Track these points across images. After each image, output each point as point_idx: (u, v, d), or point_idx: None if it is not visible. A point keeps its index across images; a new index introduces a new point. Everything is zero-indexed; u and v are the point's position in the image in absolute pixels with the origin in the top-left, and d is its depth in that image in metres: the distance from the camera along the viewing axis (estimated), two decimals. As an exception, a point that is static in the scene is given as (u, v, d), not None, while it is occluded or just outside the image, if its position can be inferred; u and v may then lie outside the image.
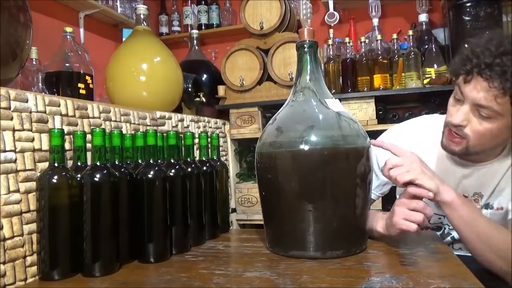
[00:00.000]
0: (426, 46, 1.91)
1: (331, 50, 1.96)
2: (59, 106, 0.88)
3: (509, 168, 0.97)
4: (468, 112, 0.87)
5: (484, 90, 0.83)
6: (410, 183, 0.82)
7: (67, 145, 0.85)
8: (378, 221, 0.92)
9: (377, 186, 1.11)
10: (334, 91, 1.89)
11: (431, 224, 1.08)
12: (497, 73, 0.80)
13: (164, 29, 2.69)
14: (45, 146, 0.83)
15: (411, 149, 1.06)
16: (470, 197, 1.00)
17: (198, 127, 1.53)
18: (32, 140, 0.80)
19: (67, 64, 1.33)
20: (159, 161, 0.92)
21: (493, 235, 0.84)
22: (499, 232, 0.85)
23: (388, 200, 1.51)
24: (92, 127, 0.94)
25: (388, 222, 0.87)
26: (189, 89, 1.69)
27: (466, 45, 0.90)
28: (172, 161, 0.96)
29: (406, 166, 0.83)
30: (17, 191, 0.76)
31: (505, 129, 0.86)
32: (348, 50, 1.94)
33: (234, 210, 1.96)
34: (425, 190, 0.82)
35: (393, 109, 2.07)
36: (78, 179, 0.79)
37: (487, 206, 1.00)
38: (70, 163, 0.86)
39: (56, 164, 0.78)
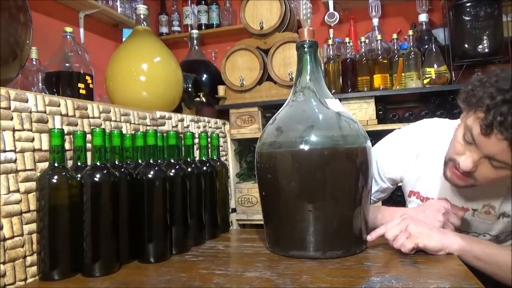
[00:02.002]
0: (426, 46, 1.91)
1: (331, 50, 1.96)
2: (59, 106, 0.88)
3: None
4: (479, 159, 0.84)
5: (502, 146, 0.78)
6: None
7: (67, 145, 0.85)
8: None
9: (376, 192, 1.10)
10: (334, 91, 1.89)
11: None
12: None
13: (164, 29, 2.69)
14: (45, 146, 0.83)
15: (412, 156, 1.05)
16: (480, 209, 0.98)
17: (198, 127, 1.53)
18: (32, 140, 0.80)
19: (67, 64, 1.33)
20: (159, 161, 0.92)
21: None
22: None
23: (388, 201, 1.51)
24: (92, 127, 0.94)
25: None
26: (189, 89, 1.69)
27: (483, 82, 0.82)
28: (172, 161, 0.95)
29: (403, 233, 0.83)
30: (17, 191, 0.76)
31: None
32: (348, 50, 1.94)
33: (234, 210, 1.96)
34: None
35: (393, 109, 2.07)
36: (78, 179, 0.79)
37: (503, 215, 0.97)
38: (70, 163, 0.86)
39: (56, 164, 0.78)
